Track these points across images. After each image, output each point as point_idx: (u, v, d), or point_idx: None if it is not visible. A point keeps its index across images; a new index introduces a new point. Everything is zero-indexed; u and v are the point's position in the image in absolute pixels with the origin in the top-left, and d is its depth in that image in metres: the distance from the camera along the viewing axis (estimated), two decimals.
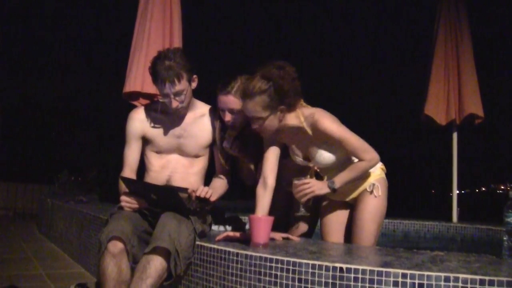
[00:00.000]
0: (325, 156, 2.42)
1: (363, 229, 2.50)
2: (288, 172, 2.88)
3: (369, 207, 2.51)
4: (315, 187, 2.32)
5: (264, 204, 2.39)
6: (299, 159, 2.55)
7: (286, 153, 2.70)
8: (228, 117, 2.50)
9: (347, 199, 2.63)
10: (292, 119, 2.39)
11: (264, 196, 2.40)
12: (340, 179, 2.35)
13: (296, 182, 2.35)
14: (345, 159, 2.45)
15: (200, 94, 2.63)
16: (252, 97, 2.26)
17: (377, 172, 2.55)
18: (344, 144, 2.32)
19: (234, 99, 2.46)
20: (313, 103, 2.51)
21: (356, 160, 2.42)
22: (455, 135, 4.86)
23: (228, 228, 2.79)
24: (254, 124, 2.34)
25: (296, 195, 2.35)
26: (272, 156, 2.50)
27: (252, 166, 2.62)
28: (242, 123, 2.54)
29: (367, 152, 2.35)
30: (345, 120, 2.54)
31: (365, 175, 2.49)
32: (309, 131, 2.37)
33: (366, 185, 2.53)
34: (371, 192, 2.52)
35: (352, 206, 2.66)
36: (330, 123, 2.32)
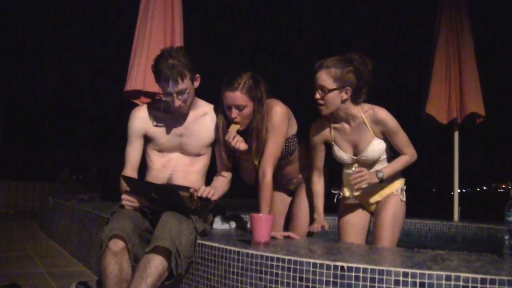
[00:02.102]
0: (376, 149, 2.53)
1: (388, 230, 2.57)
2: (287, 171, 2.89)
3: (395, 209, 2.61)
4: (368, 176, 2.44)
5: (321, 191, 2.78)
6: (346, 155, 2.62)
7: (286, 152, 2.71)
8: (234, 113, 2.48)
9: (372, 202, 2.69)
10: (353, 109, 2.51)
11: (319, 182, 2.77)
12: (387, 170, 2.51)
13: (349, 171, 2.50)
14: (385, 157, 2.60)
15: (202, 93, 2.63)
16: (328, 68, 2.43)
17: (402, 180, 2.69)
18: (396, 136, 2.50)
19: (242, 95, 2.45)
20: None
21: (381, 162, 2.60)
22: (456, 134, 4.86)
23: (232, 225, 2.79)
24: (318, 94, 2.46)
25: (351, 182, 2.45)
26: (322, 159, 2.74)
27: (255, 163, 2.61)
28: (248, 120, 2.53)
29: (410, 147, 2.54)
30: None
31: (397, 177, 2.65)
32: (368, 123, 2.50)
33: (393, 188, 2.64)
34: (399, 196, 2.63)
35: (372, 213, 2.76)
36: (387, 115, 2.48)
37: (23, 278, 3.08)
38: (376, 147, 2.52)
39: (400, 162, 2.54)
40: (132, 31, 3.75)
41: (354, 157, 2.60)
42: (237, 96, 2.45)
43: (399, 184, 2.66)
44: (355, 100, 2.49)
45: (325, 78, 2.43)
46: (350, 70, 2.43)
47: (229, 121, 2.54)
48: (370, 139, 2.52)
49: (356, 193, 2.68)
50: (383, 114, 2.47)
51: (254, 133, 2.54)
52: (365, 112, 2.50)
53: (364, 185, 2.46)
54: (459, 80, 4.60)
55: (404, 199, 2.64)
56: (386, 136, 2.53)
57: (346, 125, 2.57)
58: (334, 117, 2.58)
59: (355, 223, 2.75)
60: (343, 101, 2.47)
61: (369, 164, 2.59)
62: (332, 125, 2.62)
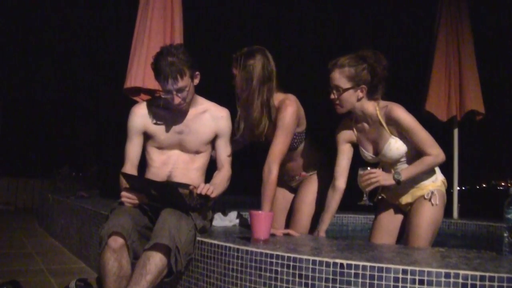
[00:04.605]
0: (392, 148, 2.46)
1: (420, 237, 2.47)
2: (290, 167, 2.89)
3: (427, 214, 2.50)
4: (381, 177, 2.39)
5: (331, 206, 2.62)
6: (368, 154, 2.60)
7: (293, 146, 2.71)
8: (233, 80, 2.62)
9: (403, 203, 2.64)
10: (370, 107, 2.48)
11: (333, 198, 2.62)
12: (406, 172, 2.42)
13: (361, 172, 2.43)
14: (410, 158, 2.50)
15: (202, 90, 2.64)
16: (341, 67, 2.42)
17: (438, 183, 2.58)
18: (413, 135, 2.39)
19: (233, 63, 2.60)
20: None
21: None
22: (456, 132, 4.86)
23: (232, 222, 2.79)
24: (333, 94, 2.47)
25: (361, 183, 2.42)
26: (343, 160, 2.64)
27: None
28: (240, 92, 2.63)
29: (434, 147, 2.40)
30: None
31: (426, 178, 2.54)
32: (383, 121, 2.45)
33: (424, 192, 2.54)
34: (429, 200, 2.52)
35: (405, 214, 2.68)
36: (402, 112, 2.40)
37: (23, 275, 3.08)
38: (393, 146, 2.45)
39: (422, 164, 2.41)
40: (132, 28, 3.74)
41: (375, 156, 2.57)
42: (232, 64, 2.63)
43: (431, 186, 2.54)
44: (371, 97, 2.47)
45: (339, 77, 2.43)
46: (364, 68, 2.40)
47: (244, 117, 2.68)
48: (387, 137, 2.47)
49: (385, 194, 2.67)
50: (396, 112, 2.39)
51: (249, 102, 2.62)
52: (380, 110, 2.46)
53: (376, 186, 2.42)
54: (458, 77, 4.60)
55: (437, 202, 2.51)
56: (404, 135, 2.44)
57: (365, 124, 2.55)
58: (355, 116, 2.57)
59: (387, 225, 2.72)
60: (358, 99, 2.46)
61: (391, 163, 2.54)
62: (354, 124, 2.61)
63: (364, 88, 2.43)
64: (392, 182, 2.40)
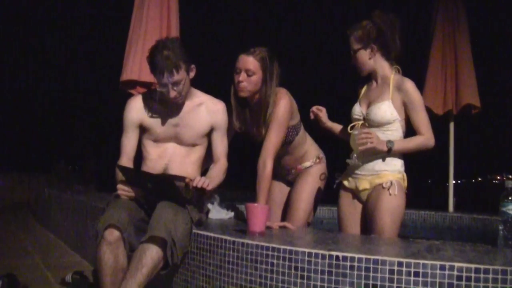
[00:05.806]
0: (381, 109, 2.49)
1: (384, 229, 2.43)
2: (286, 161, 2.89)
3: (387, 206, 2.45)
4: (376, 139, 2.41)
5: None
6: (359, 109, 2.64)
7: (288, 139, 2.72)
8: (242, 77, 2.61)
9: (360, 188, 2.59)
10: (386, 68, 2.59)
11: None
12: (399, 144, 2.46)
13: (356, 132, 2.45)
14: (394, 129, 2.51)
15: (197, 83, 2.63)
16: (351, 32, 2.58)
17: (399, 175, 2.53)
18: (414, 111, 2.47)
19: (254, 61, 2.61)
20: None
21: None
22: (452, 125, 4.88)
23: (228, 215, 2.79)
24: (352, 58, 2.61)
25: (357, 141, 2.41)
26: None
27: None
28: (252, 88, 2.64)
29: (428, 130, 2.48)
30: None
31: (388, 167, 2.51)
32: (391, 86, 2.51)
33: (383, 180, 2.49)
34: (388, 189, 2.46)
35: (363, 202, 2.63)
36: (413, 86, 2.48)
37: (19, 269, 3.07)
38: (383, 107, 2.47)
39: (413, 141, 2.47)
40: (128, 20, 3.73)
41: (364, 113, 2.59)
42: (250, 61, 2.61)
43: (391, 176, 2.48)
44: (386, 56, 2.57)
45: (352, 41, 2.58)
46: (370, 28, 2.53)
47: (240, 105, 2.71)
48: (383, 99, 2.50)
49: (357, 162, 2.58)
50: (409, 84, 2.47)
51: (263, 104, 2.63)
52: (395, 75, 2.55)
53: (369, 147, 2.39)
54: (455, 71, 4.61)
55: (395, 193, 2.44)
56: (406, 109, 2.48)
57: (375, 83, 2.63)
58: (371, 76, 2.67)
59: (351, 213, 2.69)
60: (370, 58, 2.56)
61: (374, 127, 2.52)
62: (368, 83, 2.70)
63: (373, 47, 2.55)
64: (384, 148, 2.41)
